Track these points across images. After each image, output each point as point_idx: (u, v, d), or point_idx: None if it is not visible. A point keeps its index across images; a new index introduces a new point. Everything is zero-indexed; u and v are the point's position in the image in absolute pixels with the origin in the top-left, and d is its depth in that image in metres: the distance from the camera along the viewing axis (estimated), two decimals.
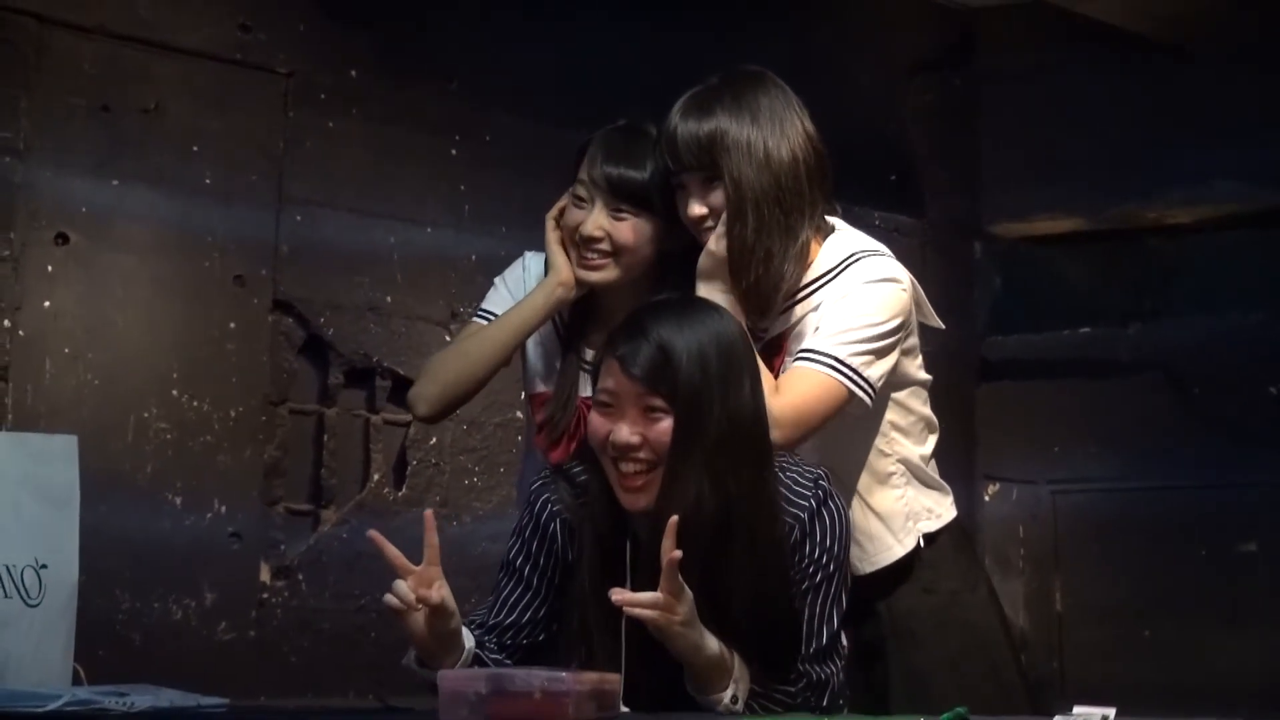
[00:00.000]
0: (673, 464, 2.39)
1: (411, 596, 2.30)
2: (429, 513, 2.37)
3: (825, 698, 2.45)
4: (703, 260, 2.74)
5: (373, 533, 2.33)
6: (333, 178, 4.08)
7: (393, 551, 2.31)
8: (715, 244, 2.72)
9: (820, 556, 2.48)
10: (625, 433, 2.41)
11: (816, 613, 2.48)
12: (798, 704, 2.42)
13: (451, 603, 2.33)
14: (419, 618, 2.32)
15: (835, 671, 2.50)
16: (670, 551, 2.28)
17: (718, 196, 2.72)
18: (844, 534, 2.51)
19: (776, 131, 2.72)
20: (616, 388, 2.42)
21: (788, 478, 2.50)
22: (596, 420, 2.45)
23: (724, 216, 2.71)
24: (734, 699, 2.38)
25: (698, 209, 2.74)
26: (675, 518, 2.30)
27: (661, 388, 2.39)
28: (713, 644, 2.38)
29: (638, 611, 2.30)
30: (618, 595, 2.31)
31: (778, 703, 2.43)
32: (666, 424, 2.40)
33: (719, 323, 2.47)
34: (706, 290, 2.71)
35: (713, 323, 2.46)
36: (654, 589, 2.34)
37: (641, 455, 2.41)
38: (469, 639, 2.42)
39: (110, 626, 3.60)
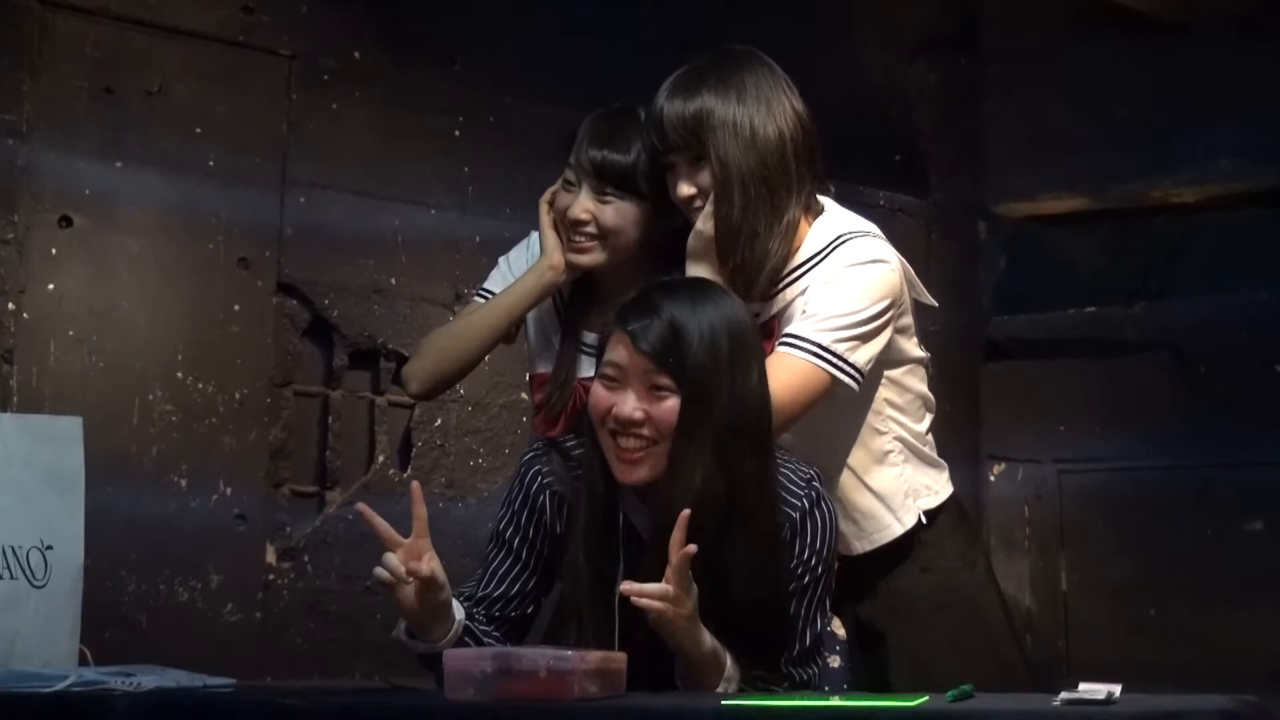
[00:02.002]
0: (679, 447, 2.38)
1: (401, 569, 2.30)
2: (415, 484, 2.37)
3: None
4: (691, 240, 2.73)
5: (361, 506, 2.34)
6: (336, 160, 4.08)
7: (381, 524, 2.32)
8: (703, 224, 2.71)
9: (809, 558, 2.48)
10: (629, 407, 2.39)
11: (801, 614, 2.48)
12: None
13: (441, 575, 2.34)
14: (409, 590, 2.32)
15: (816, 674, 2.50)
16: (681, 545, 2.27)
17: (705, 176, 2.71)
18: (832, 537, 2.51)
19: (763, 110, 2.71)
20: (623, 362, 2.40)
21: (781, 475, 2.49)
22: (600, 393, 2.43)
23: (711, 198, 2.71)
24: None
25: (686, 189, 2.73)
26: (687, 511, 2.29)
27: (670, 366, 2.38)
28: (710, 640, 2.38)
29: (645, 603, 2.29)
30: (626, 586, 2.30)
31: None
32: (671, 403, 2.38)
33: (730, 306, 2.46)
34: (695, 271, 2.71)
35: (725, 306, 2.45)
36: (648, 566, 2.34)
37: (644, 432, 2.39)
38: (459, 611, 2.42)
39: (116, 608, 3.61)
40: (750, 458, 2.41)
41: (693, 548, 2.27)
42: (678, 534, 2.28)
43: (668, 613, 2.30)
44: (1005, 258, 5.37)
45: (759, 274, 2.72)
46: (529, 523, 2.53)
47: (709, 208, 2.71)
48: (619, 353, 2.41)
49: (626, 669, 2.25)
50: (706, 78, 2.73)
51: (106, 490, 3.30)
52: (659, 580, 2.30)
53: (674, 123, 2.71)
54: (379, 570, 2.32)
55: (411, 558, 2.31)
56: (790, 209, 2.73)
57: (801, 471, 2.52)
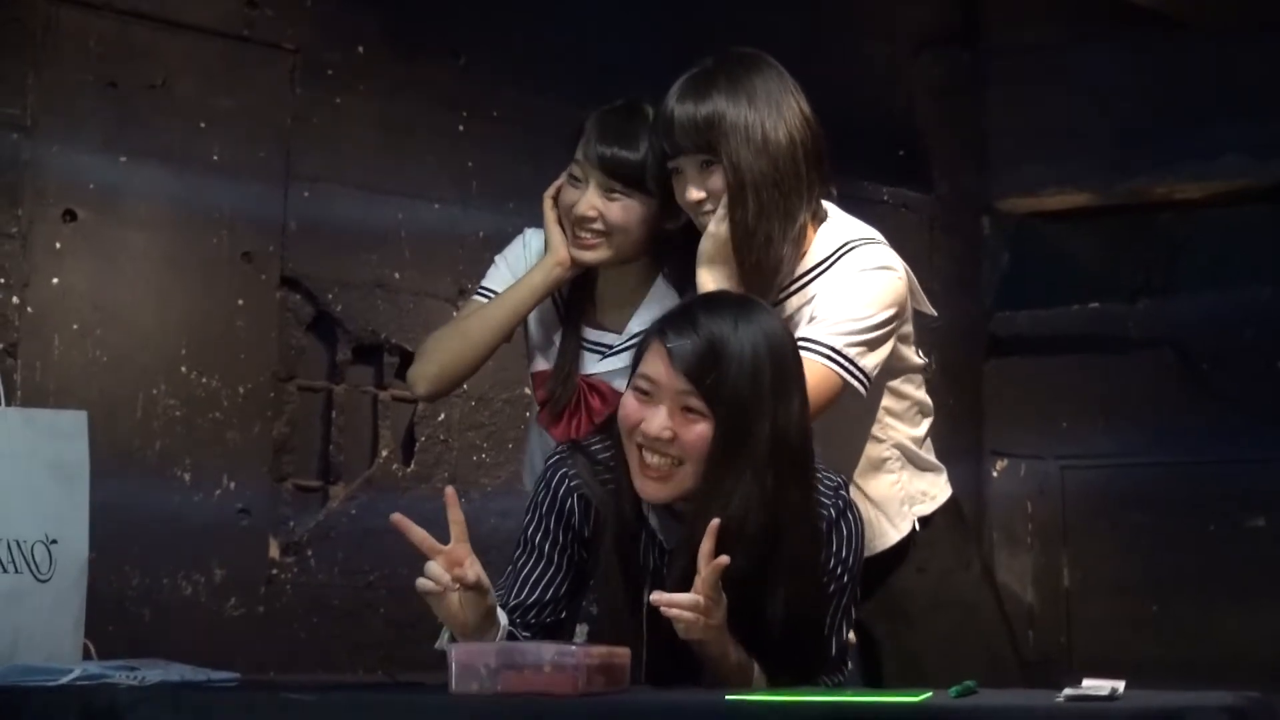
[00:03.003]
0: (714, 476, 2.35)
1: (446, 577, 2.27)
2: (450, 489, 2.32)
3: None
4: (704, 244, 2.72)
5: (397, 516, 2.29)
6: (340, 154, 4.07)
7: (419, 534, 2.28)
8: (716, 227, 2.70)
9: (835, 568, 2.46)
10: (657, 425, 2.36)
11: (828, 623, 2.47)
12: None
13: (485, 579, 2.30)
14: (454, 598, 2.29)
15: (841, 681, 2.49)
16: (711, 556, 2.26)
17: (716, 180, 2.70)
18: (859, 545, 2.49)
19: (773, 113, 2.71)
20: (658, 377, 2.37)
21: None
22: (631, 405, 2.40)
23: (723, 201, 2.69)
24: None
25: (695, 193, 2.72)
26: (716, 521, 2.26)
27: (705, 390, 2.34)
28: (737, 651, 2.37)
29: (675, 613, 2.27)
30: (656, 596, 2.28)
31: None
32: (701, 428, 2.35)
33: (774, 327, 2.41)
34: (708, 274, 2.70)
35: (769, 326, 2.40)
36: (671, 575, 2.33)
37: (670, 451, 2.36)
38: (503, 615, 2.39)
39: (120, 602, 3.61)
40: (793, 488, 2.38)
41: (724, 559, 2.25)
42: (707, 544, 2.26)
43: (697, 623, 2.28)
44: (1008, 253, 5.37)
45: (773, 279, 2.71)
46: (558, 526, 2.49)
47: (721, 210, 2.69)
48: (655, 367, 2.37)
49: (654, 676, 2.25)
50: (716, 80, 2.72)
51: (110, 484, 3.29)
52: (684, 589, 2.29)
53: (685, 126, 2.69)
54: (422, 581, 2.28)
55: (453, 564, 2.27)
56: (801, 213, 2.72)
57: (828, 480, 2.49)
